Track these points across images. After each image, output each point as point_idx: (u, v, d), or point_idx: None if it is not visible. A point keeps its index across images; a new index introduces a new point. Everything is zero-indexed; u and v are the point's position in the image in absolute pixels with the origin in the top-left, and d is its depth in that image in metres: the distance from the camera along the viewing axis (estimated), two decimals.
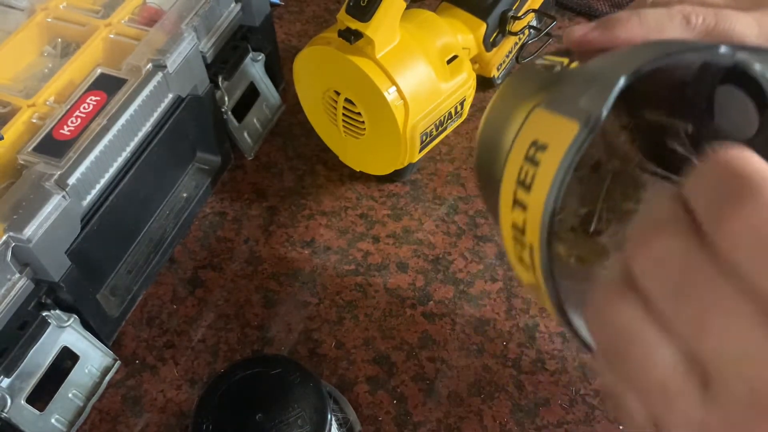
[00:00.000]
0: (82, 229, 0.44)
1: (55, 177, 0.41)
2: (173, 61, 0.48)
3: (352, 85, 0.52)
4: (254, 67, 0.61)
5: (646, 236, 0.19)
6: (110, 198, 0.47)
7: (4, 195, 0.41)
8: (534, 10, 0.62)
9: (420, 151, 0.55)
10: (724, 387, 0.18)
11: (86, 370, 0.47)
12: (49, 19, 0.52)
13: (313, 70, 0.55)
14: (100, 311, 0.49)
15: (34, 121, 0.46)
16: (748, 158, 0.18)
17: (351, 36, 0.49)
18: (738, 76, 0.24)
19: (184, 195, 0.58)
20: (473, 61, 0.61)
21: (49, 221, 0.41)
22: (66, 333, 0.45)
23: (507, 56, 0.64)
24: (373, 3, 0.48)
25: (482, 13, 0.59)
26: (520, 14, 0.61)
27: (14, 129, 0.45)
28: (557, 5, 0.73)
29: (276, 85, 0.64)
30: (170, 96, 0.50)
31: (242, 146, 0.61)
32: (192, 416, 0.40)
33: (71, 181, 0.42)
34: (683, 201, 0.19)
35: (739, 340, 0.17)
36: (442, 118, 0.54)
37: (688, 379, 0.19)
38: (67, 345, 0.45)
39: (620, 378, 0.20)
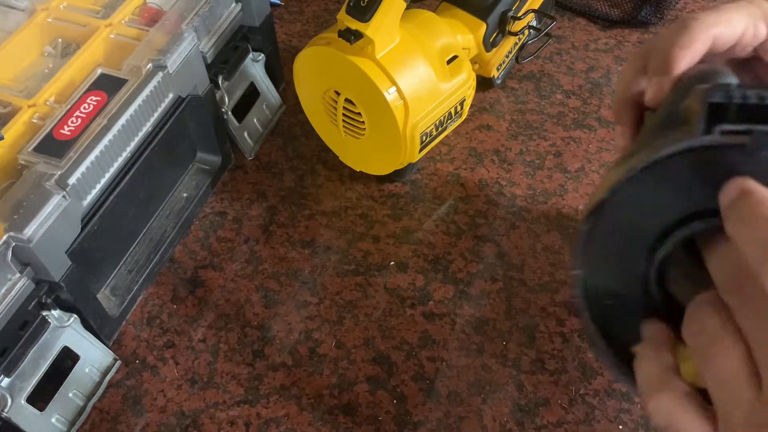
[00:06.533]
0: (83, 229, 0.45)
1: (56, 177, 0.42)
2: (173, 62, 0.49)
3: (352, 85, 0.52)
4: (254, 68, 0.61)
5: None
6: (111, 198, 0.47)
7: (5, 195, 0.41)
8: (534, 11, 0.62)
9: (420, 151, 0.55)
10: None
11: (86, 370, 0.47)
12: (50, 19, 0.52)
13: (313, 71, 0.55)
14: (101, 311, 0.49)
15: (35, 121, 0.46)
16: None
17: (351, 36, 0.49)
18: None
19: (185, 195, 0.58)
20: (473, 61, 0.61)
21: (49, 221, 0.41)
22: (66, 333, 0.45)
23: (507, 56, 0.64)
24: (373, 3, 0.48)
25: (482, 14, 0.59)
26: (519, 14, 0.61)
27: (15, 129, 0.45)
28: (557, 5, 0.73)
29: (276, 86, 0.64)
30: (170, 96, 0.50)
31: (242, 146, 0.61)
32: None
33: (71, 181, 0.42)
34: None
35: None
36: (442, 119, 0.54)
37: (747, 379, 0.23)
38: (68, 345, 0.46)
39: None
